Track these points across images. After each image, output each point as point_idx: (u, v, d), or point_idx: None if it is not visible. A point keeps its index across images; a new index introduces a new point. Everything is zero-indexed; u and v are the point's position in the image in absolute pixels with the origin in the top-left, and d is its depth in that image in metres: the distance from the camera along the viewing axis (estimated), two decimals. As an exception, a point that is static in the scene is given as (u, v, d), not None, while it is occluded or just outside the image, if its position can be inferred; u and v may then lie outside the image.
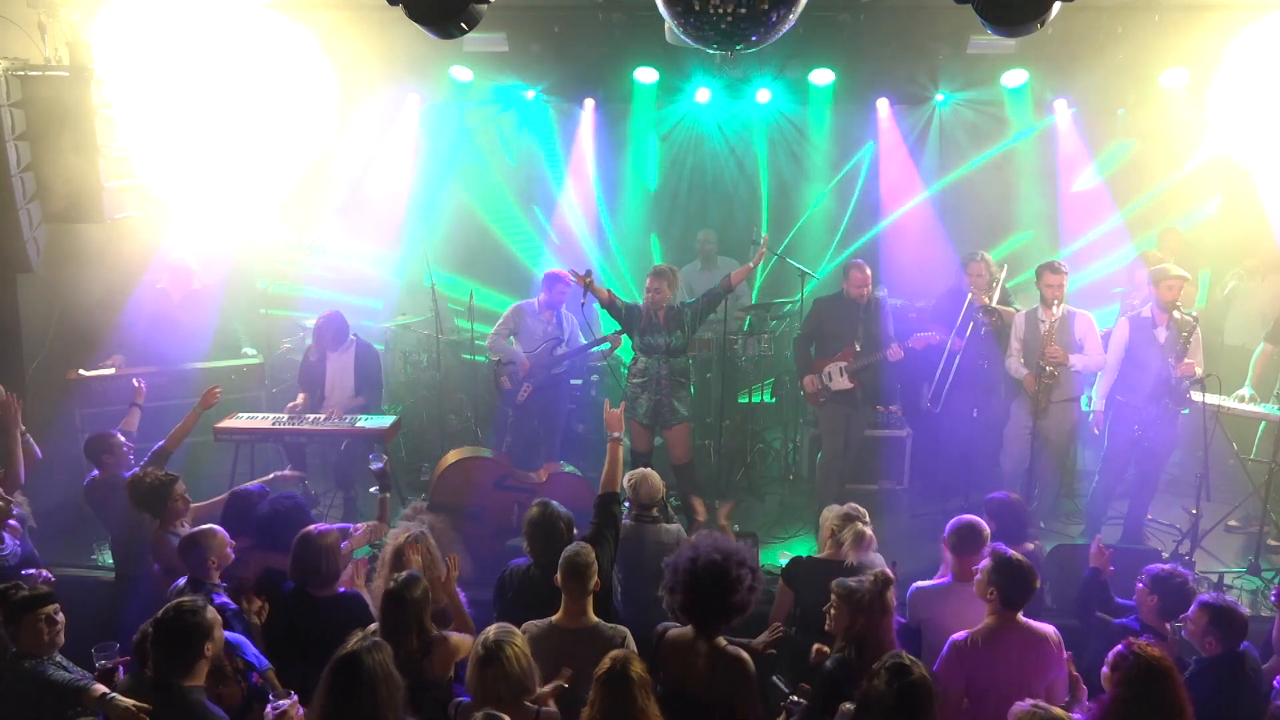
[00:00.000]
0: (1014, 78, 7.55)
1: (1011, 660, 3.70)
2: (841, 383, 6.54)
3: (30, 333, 6.49)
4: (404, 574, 3.69)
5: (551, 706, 3.42)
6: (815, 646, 3.95)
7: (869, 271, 6.53)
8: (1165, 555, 5.84)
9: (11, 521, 4.60)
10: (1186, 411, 6.01)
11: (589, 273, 6.29)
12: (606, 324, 7.17)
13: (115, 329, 6.82)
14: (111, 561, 5.61)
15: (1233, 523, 6.47)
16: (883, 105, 8.28)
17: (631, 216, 9.25)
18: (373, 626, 3.64)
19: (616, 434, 4.73)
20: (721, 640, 3.64)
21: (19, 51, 5.95)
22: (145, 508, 4.81)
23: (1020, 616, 3.79)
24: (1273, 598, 3.99)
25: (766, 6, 3.57)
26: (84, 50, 5.96)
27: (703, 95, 8.16)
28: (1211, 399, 5.86)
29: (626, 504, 4.96)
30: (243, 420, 6.44)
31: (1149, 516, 6.41)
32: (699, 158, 9.02)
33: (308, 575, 4.03)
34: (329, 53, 6.92)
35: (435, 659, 3.60)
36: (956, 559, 4.27)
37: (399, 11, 3.99)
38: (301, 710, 3.29)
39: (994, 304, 6.50)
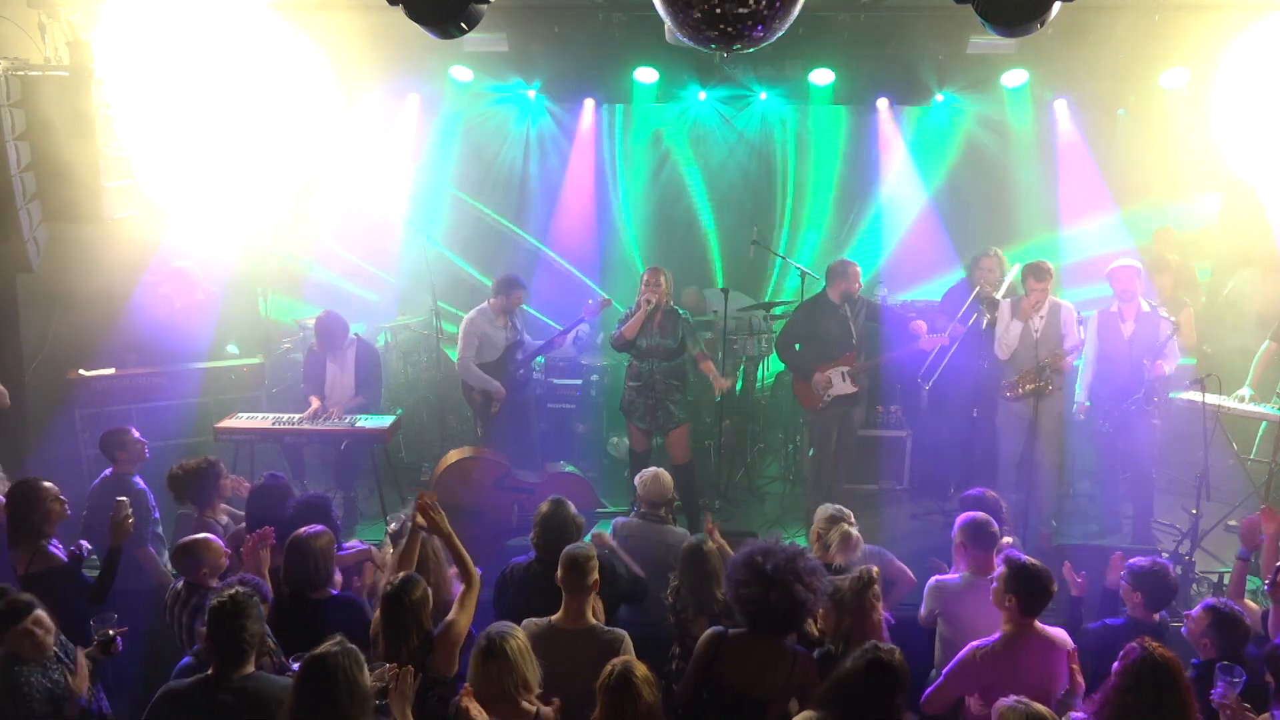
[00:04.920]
0: (1014, 78, 7.55)
1: (1032, 668, 3.67)
2: (844, 387, 6.52)
3: (30, 333, 6.48)
4: (401, 575, 3.67)
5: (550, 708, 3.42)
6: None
7: (857, 268, 6.52)
8: (1165, 555, 5.84)
9: None
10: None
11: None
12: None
13: (115, 329, 6.81)
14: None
15: (1232, 523, 6.44)
16: (883, 105, 8.29)
17: (631, 216, 9.25)
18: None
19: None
20: (786, 642, 3.66)
21: (19, 51, 5.94)
22: (189, 496, 4.85)
23: (1037, 623, 3.77)
24: (1266, 587, 3.96)
25: (764, 6, 3.57)
26: (84, 50, 5.94)
27: (702, 95, 8.16)
28: (1211, 399, 5.85)
29: (634, 503, 4.96)
30: (243, 420, 6.43)
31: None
32: (698, 157, 9.02)
33: (299, 578, 4.02)
34: (329, 53, 6.91)
35: (439, 655, 3.59)
36: (970, 555, 4.26)
37: (399, 11, 3.99)
38: None
39: (1001, 298, 6.47)
